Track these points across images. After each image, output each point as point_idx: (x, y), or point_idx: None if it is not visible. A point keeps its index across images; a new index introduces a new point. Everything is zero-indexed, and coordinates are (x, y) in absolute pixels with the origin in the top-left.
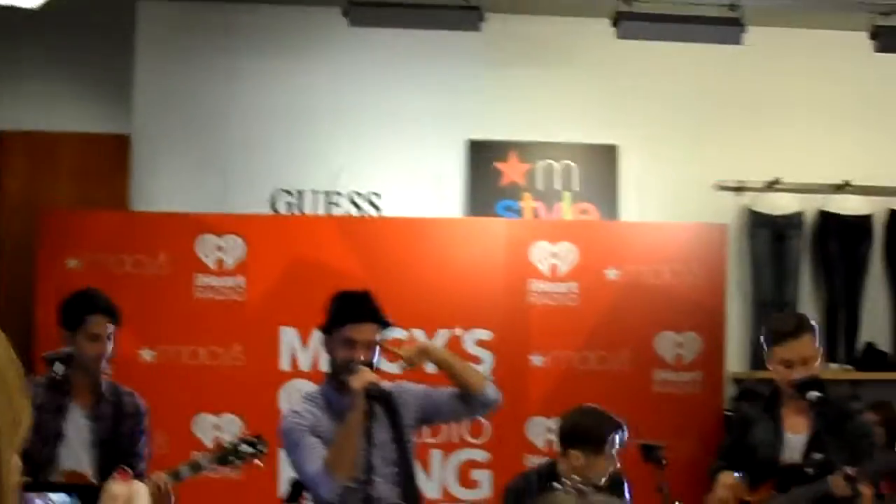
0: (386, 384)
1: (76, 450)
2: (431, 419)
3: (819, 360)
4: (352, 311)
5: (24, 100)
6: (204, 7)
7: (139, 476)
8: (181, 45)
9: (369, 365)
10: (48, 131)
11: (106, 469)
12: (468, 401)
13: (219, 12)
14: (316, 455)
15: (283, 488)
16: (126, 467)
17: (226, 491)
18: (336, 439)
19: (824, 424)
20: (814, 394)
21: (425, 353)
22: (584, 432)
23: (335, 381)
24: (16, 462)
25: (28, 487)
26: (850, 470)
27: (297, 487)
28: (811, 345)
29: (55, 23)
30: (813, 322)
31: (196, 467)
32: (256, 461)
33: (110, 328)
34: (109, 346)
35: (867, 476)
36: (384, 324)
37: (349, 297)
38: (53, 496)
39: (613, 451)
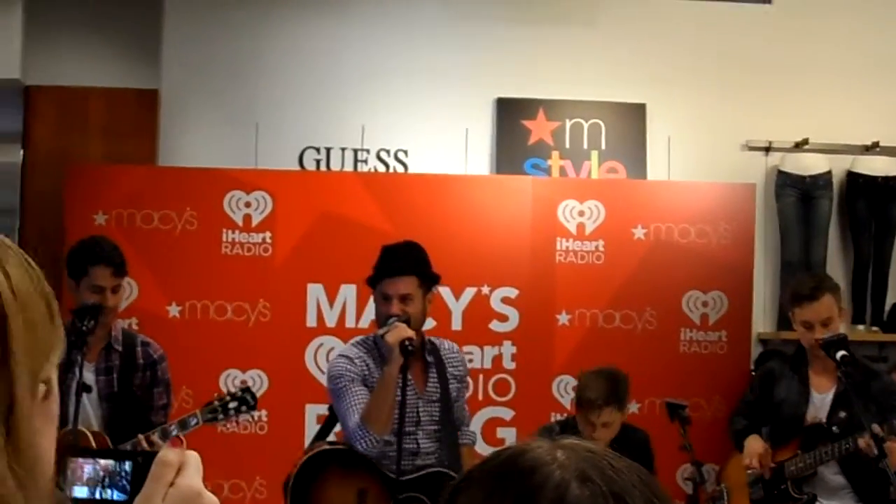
0: (443, 343)
1: (85, 404)
2: None
3: (840, 320)
4: (386, 266)
5: (52, 54)
6: None
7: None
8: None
9: (407, 319)
10: (77, 86)
11: (117, 423)
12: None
13: None
14: (360, 406)
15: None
16: (180, 436)
17: (251, 444)
18: (373, 394)
19: (850, 384)
20: (841, 352)
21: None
22: (578, 390)
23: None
24: (50, 380)
25: (76, 453)
26: (876, 429)
27: (330, 423)
28: (830, 306)
29: None
30: (834, 283)
31: (184, 425)
32: (245, 417)
33: (115, 280)
34: (113, 299)
35: (893, 432)
36: (425, 275)
37: (387, 252)
38: (102, 461)
39: (594, 419)
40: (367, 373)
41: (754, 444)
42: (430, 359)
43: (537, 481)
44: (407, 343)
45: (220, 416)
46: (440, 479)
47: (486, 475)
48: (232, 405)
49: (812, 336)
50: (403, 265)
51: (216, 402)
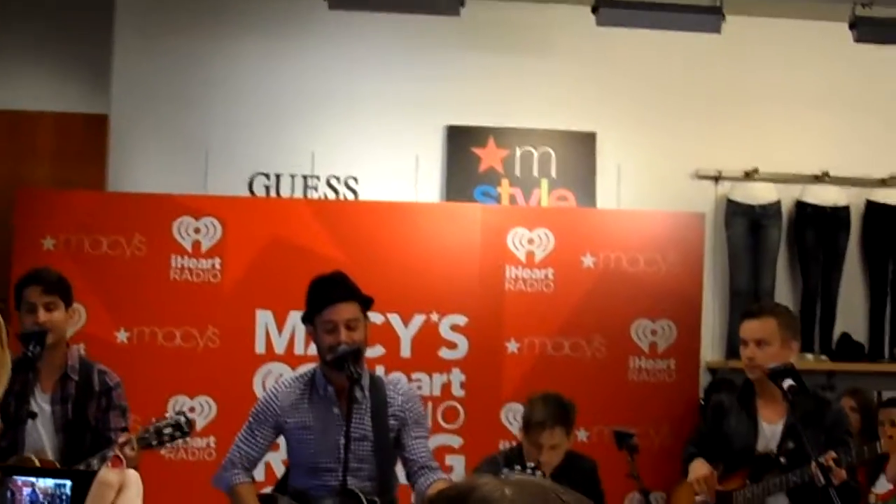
0: (391, 379)
1: (40, 433)
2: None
3: (790, 352)
4: (326, 294)
5: (1, 79)
6: None
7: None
8: (161, 26)
9: (357, 348)
10: (26, 110)
11: (73, 452)
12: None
13: None
14: (243, 451)
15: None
16: (119, 454)
17: (199, 471)
18: (243, 491)
19: (800, 414)
20: (788, 382)
21: None
22: (525, 414)
23: (325, 367)
24: None
25: (12, 472)
26: (825, 457)
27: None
28: (769, 328)
29: (34, 2)
30: (784, 309)
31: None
32: (179, 443)
33: (46, 297)
34: (46, 316)
35: (841, 463)
36: (362, 300)
37: (322, 281)
38: (41, 482)
39: (543, 440)
40: (290, 405)
41: (699, 467)
42: (359, 395)
43: None
44: (351, 370)
45: (154, 443)
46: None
47: None
48: (166, 431)
49: (744, 353)
50: (344, 291)
51: (151, 428)
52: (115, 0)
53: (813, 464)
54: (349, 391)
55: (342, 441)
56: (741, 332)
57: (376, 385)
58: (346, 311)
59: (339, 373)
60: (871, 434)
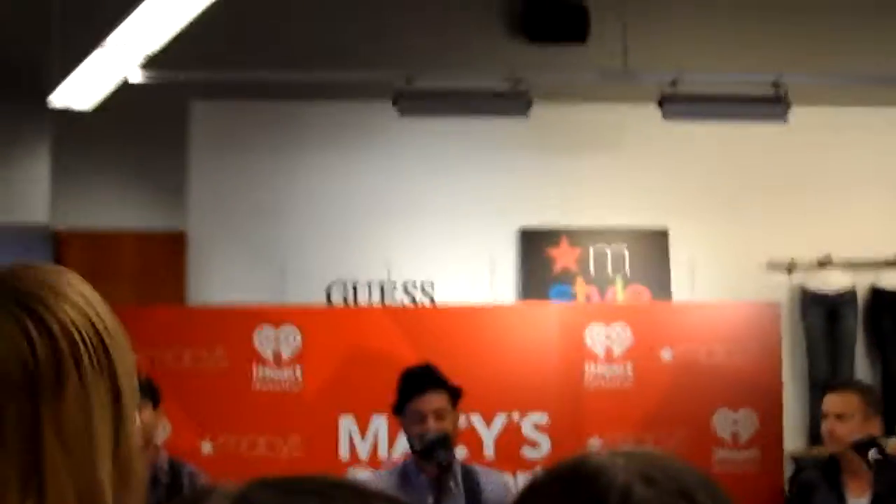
0: (485, 471)
1: None
2: None
3: (872, 425)
4: (415, 384)
5: (80, 199)
6: (256, 105)
7: None
8: (234, 141)
9: (446, 436)
10: (105, 230)
11: None
12: None
13: (270, 109)
14: None
15: None
16: None
17: None
18: None
19: (886, 485)
20: (874, 453)
21: None
22: None
23: (416, 457)
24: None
25: None
26: None
27: None
28: (850, 402)
29: (110, 122)
30: (866, 386)
31: None
32: None
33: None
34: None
35: None
36: (451, 391)
37: (411, 372)
38: None
39: None
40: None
41: None
42: (451, 484)
43: (601, 486)
44: (440, 458)
45: None
46: None
47: (550, 484)
48: None
49: (824, 426)
50: (432, 381)
51: None
52: (189, 118)
53: None
54: (441, 480)
55: None
56: (823, 406)
57: (469, 474)
58: (434, 401)
59: (429, 462)
60: None
